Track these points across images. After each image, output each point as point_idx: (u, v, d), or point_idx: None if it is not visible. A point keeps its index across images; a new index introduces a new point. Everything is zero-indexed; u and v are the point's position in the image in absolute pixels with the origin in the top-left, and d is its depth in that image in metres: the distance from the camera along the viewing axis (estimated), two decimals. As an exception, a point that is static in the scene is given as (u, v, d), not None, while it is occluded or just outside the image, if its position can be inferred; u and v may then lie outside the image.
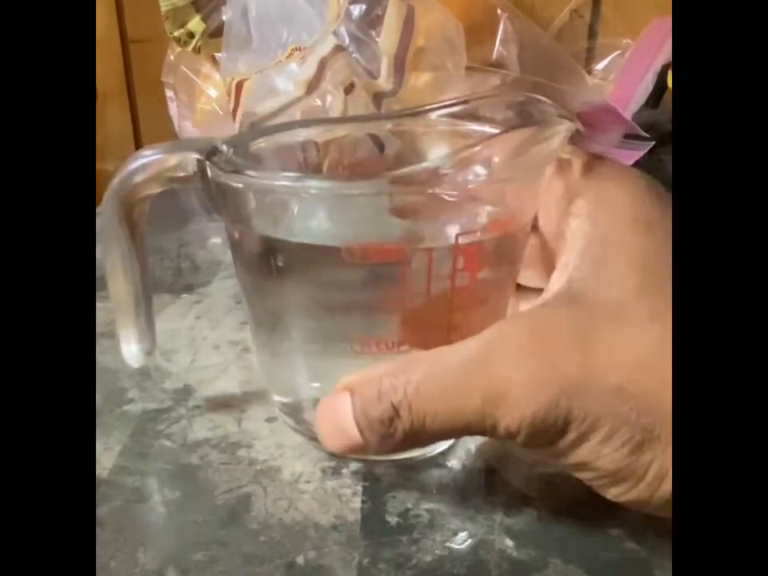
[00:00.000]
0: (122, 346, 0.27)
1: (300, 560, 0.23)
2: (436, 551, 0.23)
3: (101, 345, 0.28)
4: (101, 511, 0.24)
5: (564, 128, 0.23)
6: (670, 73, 0.53)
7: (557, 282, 0.23)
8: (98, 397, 0.30)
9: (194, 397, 0.30)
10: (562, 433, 0.21)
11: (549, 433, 0.21)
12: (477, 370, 0.21)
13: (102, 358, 0.27)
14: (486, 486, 0.26)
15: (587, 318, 0.21)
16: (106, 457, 0.27)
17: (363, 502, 0.25)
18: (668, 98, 0.57)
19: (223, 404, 0.30)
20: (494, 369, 0.21)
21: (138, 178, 0.24)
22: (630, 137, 0.46)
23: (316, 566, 0.22)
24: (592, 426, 0.20)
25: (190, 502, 0.25)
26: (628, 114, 0.49)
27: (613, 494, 0.22)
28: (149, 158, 0.25)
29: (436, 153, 0.28)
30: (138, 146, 0.64)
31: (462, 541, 0.23)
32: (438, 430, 0.21)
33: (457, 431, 0.22)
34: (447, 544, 0.23)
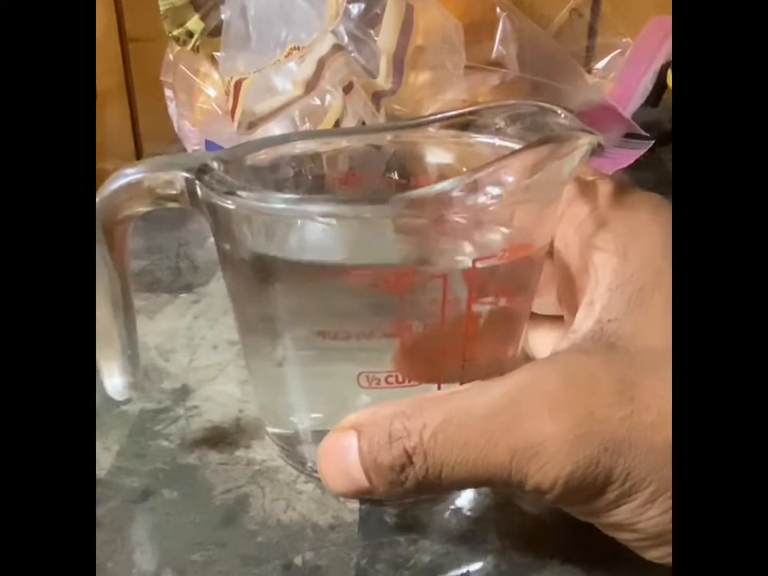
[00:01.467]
0: (104, 378, 0.25)
1: (298, 561, 0.23)
2: (434, 551, 0.23)
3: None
4: (98, 512, 0.24)
5: (586, 142, 0.21)
6: (669, 72, 0.53)
7: (583, 322, 0.22)
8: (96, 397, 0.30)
9: (192, 397, 0.30)
10: (600, 493, 0.19)
11: (585, 492, 0.19)
12: (505, 420, 0.19)
13: (100, 358, 0.27)
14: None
15: (627, 368, 0.20)
16: (104, 457, 0.27)
17: (361, 502, 0.25)
18: (668, 97, 0.57)
19: (221, 404, 0.30)
20: (525, 420, 0.19)
21: (121, 198, 0.23)
22: (629, 136, 0.46)
23: (314, 567, 0.22)
24: (635, 486, 0.19)
25: (188, 503, 0.25)
26: (628, 113, 0.49)
27: (653, 555, 0.20)
28: (132, 176, 0.23)
29: (440, 160, 0.27)
30: (138, 145, 0.64)
31: (460, 541, 0.23)
32: (456, 481, 0.19)
33: (477, 483, 0.21)
34: (445, 544, 0.23)
